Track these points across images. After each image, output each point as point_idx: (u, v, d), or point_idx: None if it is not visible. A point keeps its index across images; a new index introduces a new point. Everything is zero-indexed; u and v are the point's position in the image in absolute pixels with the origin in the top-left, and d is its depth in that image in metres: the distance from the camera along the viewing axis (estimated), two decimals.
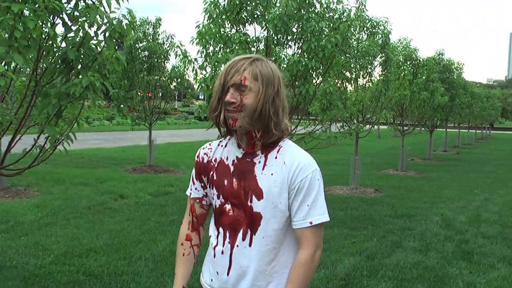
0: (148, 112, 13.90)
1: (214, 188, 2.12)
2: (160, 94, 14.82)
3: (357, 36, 11.00)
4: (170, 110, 21.79)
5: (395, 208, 9.73)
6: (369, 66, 11.61)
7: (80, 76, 3.66)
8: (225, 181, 2.07)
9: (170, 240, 6.73)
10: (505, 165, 21.23)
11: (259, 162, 2.03)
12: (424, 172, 16.47)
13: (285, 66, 6.85)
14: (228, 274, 2.07)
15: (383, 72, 11.71)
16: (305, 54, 6.95)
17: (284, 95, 2.03)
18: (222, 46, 7.19)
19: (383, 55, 11.63)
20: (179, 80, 14.17)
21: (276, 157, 2.02)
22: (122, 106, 12.85)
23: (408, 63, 15.25)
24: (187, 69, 13.45)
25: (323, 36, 7.00)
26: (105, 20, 3.69)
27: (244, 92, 1.94)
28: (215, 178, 2.11)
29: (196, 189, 2.21)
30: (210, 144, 2.20)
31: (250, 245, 2.02)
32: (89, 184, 11.03)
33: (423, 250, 6.82)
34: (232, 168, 2.07)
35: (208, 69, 7.32)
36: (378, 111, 12.10)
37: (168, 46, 13.65)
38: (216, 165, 2.12)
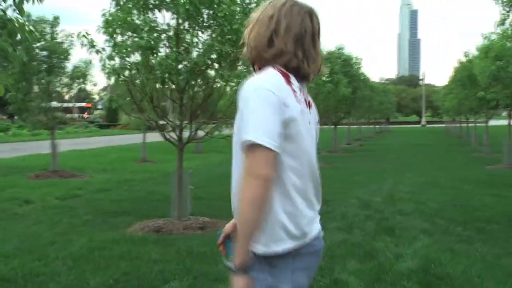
0: (49, 117, 13.13)
1: None
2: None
3: None
4: (69, 121, 20.88)
5: None
6: None
7: None
8: None
9: (87, 239, 6.33)
10: (405, 153, 22.50)
11: None
12: (333, 163, 16.80)
13: (201, 51, 6.72)
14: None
15: None
16: (218, 37, 6.79)
17: (270, 24, 1.92)
18: (131, 34, 6.88)
19: None
20: (81, 80, 13.51)
21: None
22: (20, 109, 12.11)
23: None
24: (91, 64, 12.90)
25: (235, 20, 6.86)
26: None
27: None
28: None
29: None
30: None
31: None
32: None
33: (347, 229, 6.85)
34: None
35: (117, 59, 7.00)
36: None
37: (68, 45, 12.97)
38: None
